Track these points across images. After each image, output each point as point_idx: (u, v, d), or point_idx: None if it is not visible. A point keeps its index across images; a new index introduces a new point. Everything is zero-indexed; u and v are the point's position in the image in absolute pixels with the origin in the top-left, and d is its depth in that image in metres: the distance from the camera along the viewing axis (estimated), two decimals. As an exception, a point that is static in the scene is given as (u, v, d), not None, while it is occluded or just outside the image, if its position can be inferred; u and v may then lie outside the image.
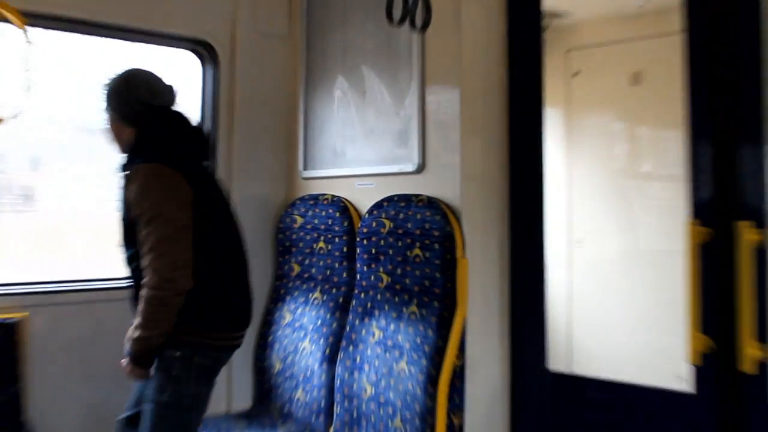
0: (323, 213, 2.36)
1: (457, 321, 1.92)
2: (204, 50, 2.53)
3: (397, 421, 1.91)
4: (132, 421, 1.93)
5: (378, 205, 2.15)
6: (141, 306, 1.71)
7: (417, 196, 2.07)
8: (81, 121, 2.64)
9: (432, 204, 2.00)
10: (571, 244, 2.89)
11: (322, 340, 2.24)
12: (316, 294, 2.34)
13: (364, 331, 2.10)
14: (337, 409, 2.11)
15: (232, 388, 2.45)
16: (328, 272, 2.32)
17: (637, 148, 2.92)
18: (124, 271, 1.87)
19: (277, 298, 2.48)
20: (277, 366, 2.37)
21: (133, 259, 1.82)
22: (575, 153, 2.93)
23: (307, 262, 2.41)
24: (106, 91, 1.89)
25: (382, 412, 1.97)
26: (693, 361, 1.67)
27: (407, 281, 2.02)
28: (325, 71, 2.50)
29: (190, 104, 2.56)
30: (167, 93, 1.89)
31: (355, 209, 2.31)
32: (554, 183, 2.65)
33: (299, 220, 2.44)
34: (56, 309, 2.21)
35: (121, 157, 1.89)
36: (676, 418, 1.79)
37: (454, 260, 1.95)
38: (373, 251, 2.11)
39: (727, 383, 1.68)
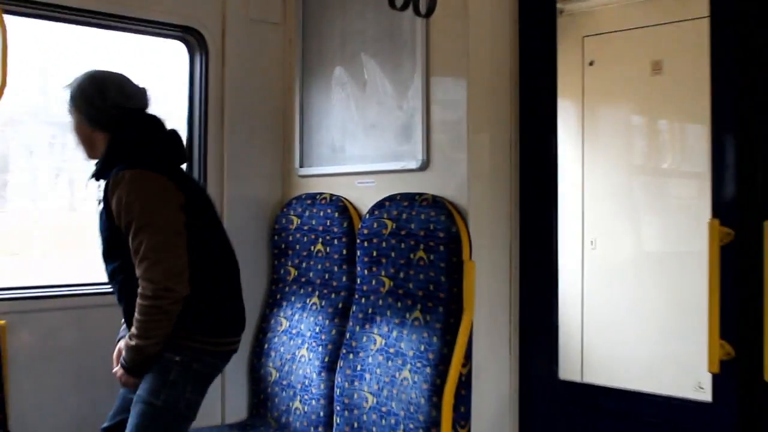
0: (321, 213, 2.45)
1: (463, 327, 2.01)
2: (192, 38, 2.58)
3: (400, 433, 2.01)
4: (115, 430, 2.03)
5: (379, 205, 2.24)
6: (138, 315, 1.82)
7: (421, 195, 2.15)
8: (52, 115, 2.71)
9: (437, 203, 2.09)
10: (584, 245, 2.96)
11: (320, 348, 2.34)
12: (314, 299, 2.43)
13: (364, 338, 2.19)
14: (336, 419, 2.21)
15: (226, 398, 2.55)
16: (327, 276, 2.42)
17: (657, 143, 2.99)
18: (108, 283, 1.97)
19: (273, 304, 2.58)
20: (274, 375, 2.47)
21: (118, 273, 1.92)
22: (590, 148, 2.99)
23: (304, 265, 2.50)
24: (72, 95, 1.94)
25: (384, 422, 2.07)
26: (712, 369, 1.75)
27: (410, 285, 2.12)
28: (323, 61, 2.58)
29: (176, 98, 2.65)
30: (140, 96, 1.98)
31: (355, 209, 2.40)
32: (567, 180, 2.72)
33: (296, 221, 2.54)
34: (37, 315, 2.30)
35: (94, 164, 1.97)
36: (693, 429, 1.87)
37: (460, 263, 2.03)
38: (375, 254, 2.21)
39: (748, 392, 1.77)
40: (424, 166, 2.20)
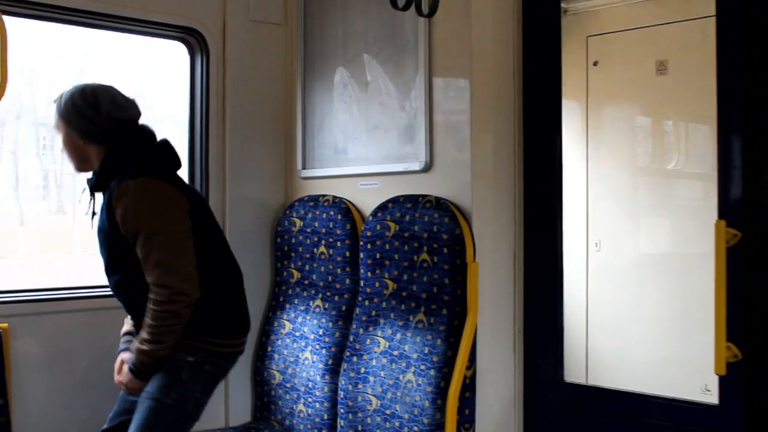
0: (324, 215, 2.46)
1: (468, 329, 2.02)
2: (193, 39, 2.59)
3: (404, 436, 2.02)
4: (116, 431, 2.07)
5: (382, 207, 2.25)
6: (150, 321, 1.85)
7: (424, 196, 2.16)
8: (39, 115, 2.71)
9: (440, 205, 2.10)
10: (589, 247, 2.96)
11: (324, 351, 2.35)
12: (318, 301, 2.44)
13: (368, 341, 2.20)
14: (340, 422, 2.22)
15: (229, 401, 2.56)
16: (330, 278, 2.43)
17: (662, 144, 2.99)
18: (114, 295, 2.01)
19: (276, 306, 2.59)
20: (277, 378, 2.49)
21: (123, 284, 1.96)
22: (594, 149, 3.00)
23: (307, 267, 2.51)
24: (63, 110, 1.96)
25: (388, 425, 2.08)
26: (718, 371, 1.75)
27: (414, 288, 2.12)
28: (325, 61, 2.59)
29: (178, 99, 2.65)
30: (132, 107, 2.01)
31: (358, 211, 2.41)
32: (571, 181, 2.72)
33: (298, 223, 2.55)
34: (40, 319, 2.31)
35: (90, 177, 2.00)
36: (699, 432, 1.88)
37: (464, 265, 2.04)
38: (378, 256, 2.22)
39: (754, 395, 1.78)
40: (427, 167, 2.20)
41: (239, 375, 2.53)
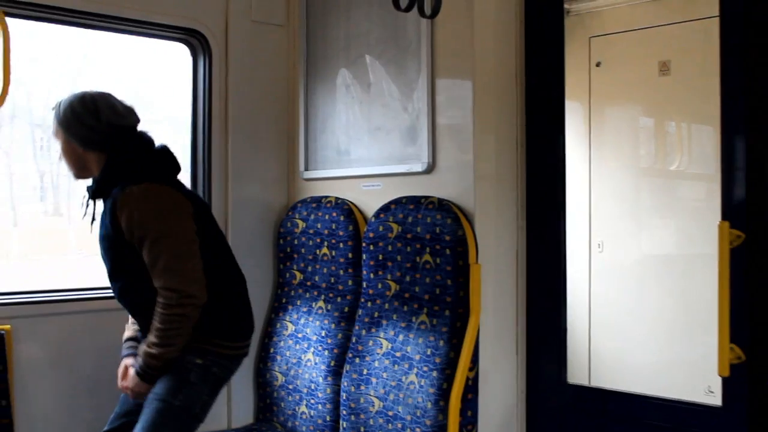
0: (326, 217, 2.47)
1: (470, 331, 2.02)
2: (195, 40, 2.60)
3: (407, 438, 2.02)
4: None
5: (385, 208, 2.25)
6: (159, 324, 1.87)
7: (427, 197, 2.17)
8: (34, 116, 2.71)
9: (443, 206, 2.11)
10: (591, 248, 2.97)
11: (326, 352, 2.36)
12: (320, 303, 2.45)
13: (371, 342, 2.21)
14: (343, 424, 2.23)
15: (232, 403, 2.57)
16: (333, 280, 2.44)
17: (665, 145, 2.99)
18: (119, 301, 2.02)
19: (278, 308, 2.60)
20: (280, 379, 2.49)
21: (129, 289, 1.98)
22: (597, 150, 3.00)
23: (309, 269, 2.52)
24: (62, 117, 1.97)
25: (390, 427, 2.09)
26: (722, 372, 1.76)
27: (417, 289, 2.13)
28: (327, 63, 2.60)
29: (176, 100, 2.66)
30: (131, 113, 2.03)
31: (361, 212, 2.42)
32: (574, 182, 2.73)
33: (301, 225, 2.55)
34: (42, 320, 2.32)
35: (91, 184, 2.02)
36: (702, 434, 1.88)
37: (466, 266, 2.05)
38: (380, 257, 2.22)
39: (758, 397, 1.78)
40: (430, 168, 2.21)
41: (242, 376, 2.53)
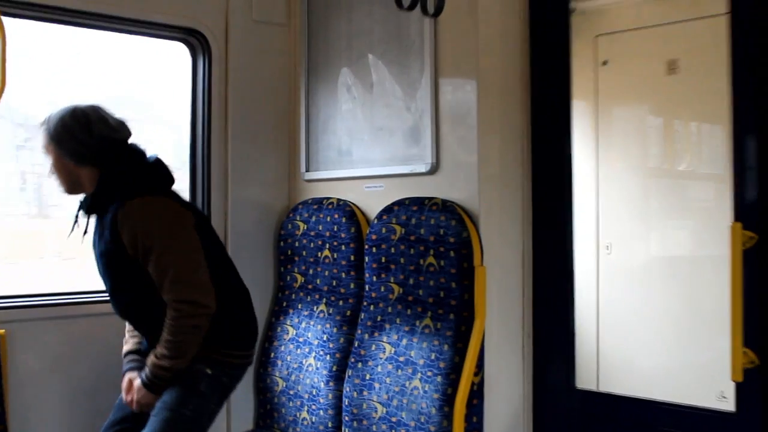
0: (328, 218, 2.45)
1: (475, 335, 2.01)
2: (195, 40, 2.60)
3: (411, 444, 2.00)
4: None
5: (388, 210, 2.24)
6: (170, 336, 1.87)
7: (430, 199, 2.15)
8: (16, 115, 2.68)
9: (447, 208, 2.09)
10: (599, 250, 2.95)
11: (328, 357, 2.34)
12: (322, 306, 2.43)
13: (373, 347, 2.19)
14: (345, 430, 2.21)
15: (232, 409, 2.55)
16: (334, 283, 2.42)
17: (674, 145, 2.98)
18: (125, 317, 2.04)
19: (279, 312, 2.58)
20: (280, 384, 2.47)
21: (134, 304, 1.99)
22: (604, 150, 2.98)
23: (311, 272, 2.50)
24: (54, 132, 1.95)
25: (394, 434, 2.06)
26: (735, 377, 1.74)
27: (420, 292, 2.11)
28: (329, 62, 2.59)
29: (170, 100, 2.65)
30: (123, 127, 2.02)
31: (363, 214, 2.40)
32: (580, 183, 2.71)
33: (302, 227, 2.54)
34: (38, 324, 2.31)
35: (84, 199, 2.00)
36: (715, 440, 1.86)
37: (471, 269, 2.03)
38: (383, 260, 2.20)
39: (772, 402, 1.75)
40: (434, 169, 2.20)
41: (242, 382, 2.50)
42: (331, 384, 2.30)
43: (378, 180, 2.38)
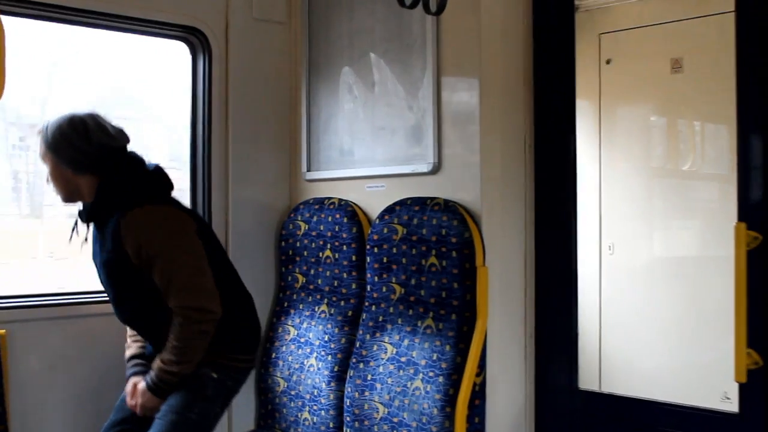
0: (329, 218, 2.46)
1: (477, 335, 2.01)
2: (195, 39, 2.59)
3: (413, 445, 2.01)
4: None
5: (389, 210, 2.24)
6: (177, 342, 1.89)
7: (432, 199, 2.16)
8: (9, 114, 2.67)
9: (449, 208, 2.09)
10: (602, 250, 2.95)
11: (329, 357, 2.34)
12: (323, 307, 2.44)
13: (375, 347, 2.20)
14: (346, 431, 2.22)
15: (233, 409, 2.54)
16: (336, 283, 2.42)
17: (678, 144, 2.97)
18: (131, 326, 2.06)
19: (280, 312, 2.59)
20: (282, 385, 2.48)
21: (139, 313, 2.01)
22: (607, 149, 2.98)
23: (312, 272, 2.51)
24: (51, 141, 1.94)
25: (395, 434, 2.07)
26: (739, 378, 1.74)
27: (422, 292, 2.12)
28: (330, 61, 2.59)
29: (166, 98, 2.64)
30: (121, 134, 2.02)
31: (365, 214, 2.41)
32: (584, 183, 2.71)
33: (303, 227, 2.54)
34: (38, 325, 2.32)
35: (83, 207, 2.00)
36: (718, 441, 1.86)
37: (473, 269, 2.04)
38: (385, 260, 2.21)
39: (776, 403, 1.76)
40: (436, 169, 2.20)
41: (243, 382, 2.54)
42: (332, 384, 2.31)
43: (380, 180, 2.38)
